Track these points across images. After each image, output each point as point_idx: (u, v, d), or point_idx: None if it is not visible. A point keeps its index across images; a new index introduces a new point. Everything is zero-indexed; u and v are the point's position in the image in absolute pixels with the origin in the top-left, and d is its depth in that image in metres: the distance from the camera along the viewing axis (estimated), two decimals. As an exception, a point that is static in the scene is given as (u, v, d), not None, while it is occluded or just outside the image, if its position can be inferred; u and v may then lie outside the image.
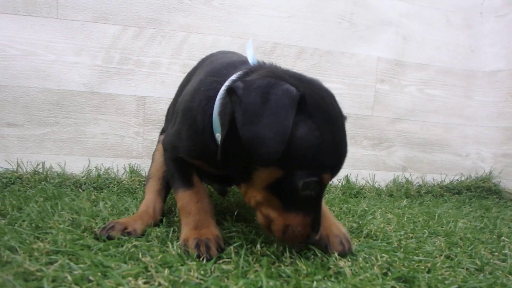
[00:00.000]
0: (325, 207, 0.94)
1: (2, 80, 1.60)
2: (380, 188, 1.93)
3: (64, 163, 1.65)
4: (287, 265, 0.74)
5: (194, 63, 1.28)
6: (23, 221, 0.93)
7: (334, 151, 0.72)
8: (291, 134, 0.66)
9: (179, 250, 0.78)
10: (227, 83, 0.82)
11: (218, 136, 0.80)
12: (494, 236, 1.11)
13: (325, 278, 0.70)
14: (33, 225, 0.90)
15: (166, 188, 1.11)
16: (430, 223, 1.24)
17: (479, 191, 1.97)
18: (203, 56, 1.26)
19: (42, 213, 1.02)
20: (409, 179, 2.03)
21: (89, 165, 1.67)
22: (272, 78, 0.72)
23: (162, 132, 1.35)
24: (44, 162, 1.62)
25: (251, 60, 0.89)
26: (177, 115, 0.94)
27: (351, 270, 0.73)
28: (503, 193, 1.97)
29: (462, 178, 2.09)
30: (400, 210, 1.45)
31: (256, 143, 0.66)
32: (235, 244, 0.81)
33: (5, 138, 1.61)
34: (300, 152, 0.68)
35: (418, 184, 2.02)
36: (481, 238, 1.08)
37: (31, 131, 1.64)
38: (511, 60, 2.03)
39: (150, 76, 1.76)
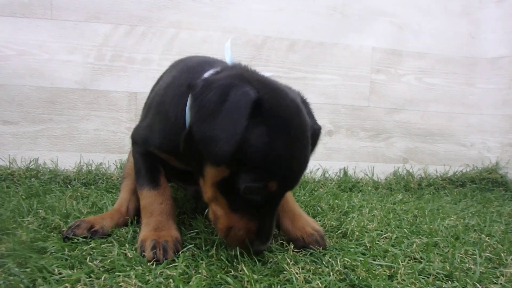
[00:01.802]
0: (294, 206, 0.93)
1: (-2, 79, 1.65)
2: (379, 181, 1.86)
3: (57, 159, 1.67)
4: (240, 271, 0.70)
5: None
6: None
7: (284, 161, 0.69)
8: (242, 136, 0.65)
9: (134, 253, 0.76)
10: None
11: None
12: (483, 235, 1.02)
13: (272, 285, 0.66)
14: (1, 226, 0.90)
15: None
16: (418, 220, 1.17)
17: (484, 183, 1.86)
18: (193, 52, 1.29)
19: (16, 212, 1.03)
20: (410, 171, 1.95)
21: (81, 160, 1.69)
22: (236, 79, 0.71)
23: None
24: (37, 159, 1.65)
25: (228, 60, 0.88)
26: (149, 109, 0.95)
27: (305, 276, 0.69)
28: (510, 185, 1.86)
29: (468, 169, 1.99)
30: (392, 206, 1.38)
31: (207, 142, 0.65)
32: (190, 246, 0.80)
33: (1, 135, 1.65)
34: (247, 156, 0.67)
35: (419, 176, 1.94)
36: (466, 239, 0.99)
37: (26, 128, 1.68)
38: (514, 45, 1.94)
39: (141, 72, 1.78)
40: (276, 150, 0.67)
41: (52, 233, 0.88)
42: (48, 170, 1.59)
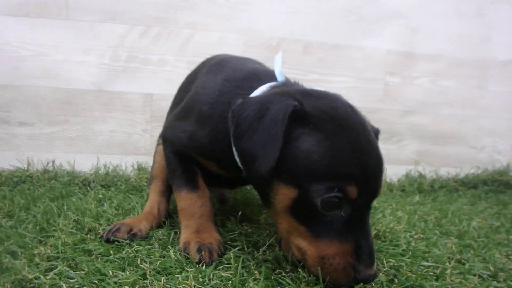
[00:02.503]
0: None
1: (14, 80, 1.64)
2: (392, 183, 1.88)
3: (74, 160, 1.67)
4: (288, 272, 0.70)
5: (199, 60, 1.26)
6: (29, 223, 0.94)
7: (354, 160, 0.62)
8: (296, 149, 0.63)
9: (178, 255, 0.76)
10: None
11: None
12: (511, 236, 1.04)
13: (327, 286, 0.65)
14: (38, 227, 0.91)
15: (170, 189, 1.09)
16: (443, 221, 1.18)
17: (496, 185, 1.88)
18: (208, 54, 1.25)
19: (47, 214, 1.03)
20: (422, 173, 1.97)
21: (97, 162, 1.68)
22: (276, 94, 0.69)
23: None
24: (54, 161, 1.65)
25: (279, 75, 0.84)
26: (190, 114, 0.89)
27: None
28: (521, 187, 1.89)
29: (478, 172, 2.01)
30: (411, 207, 1.40)
31: (246, 159, 0.64)
32: (236, 249, 0.79)
33: (17, 137, 1.65)
34: (310, 166, 0.62)
35: (431, 178, 1.95)
36: (496, 239, 1.01)
37: (42, 129, 1.67)
38: (526, 48, 1.96)
39: (156, 73, 1.77)
40: (341, 150, 0.62)
41: (89, 235, 0.88)
42: (66, 172, 1.59)
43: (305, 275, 0.67)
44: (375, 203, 1.43)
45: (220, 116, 0.81)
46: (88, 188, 1.47)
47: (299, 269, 0.70)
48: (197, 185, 0.89)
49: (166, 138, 0.97)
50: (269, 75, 0.86)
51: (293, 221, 0.66)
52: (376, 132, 0.80)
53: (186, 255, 0.76)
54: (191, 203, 0.87)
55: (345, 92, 0.77)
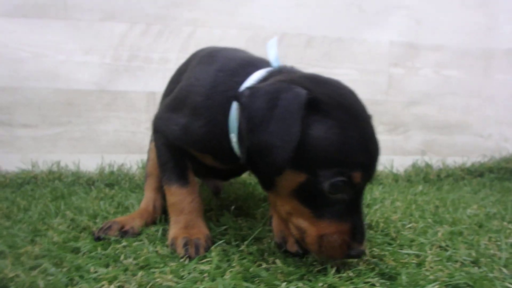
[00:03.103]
0: None
1: (15, 82, 1.62)
2: (398, 173, 1.87)
3: (79, 161, 1.65)
4: (270, 264, 0.71)
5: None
6: (24, 223, 0.95)
7: (361, 147, 0.66)
8: (308, 136, 0.63)
9: (165, 250, 0.77)
10: (247, 85, 0.77)
11: (233, 136, 0.78)
12: (505, 223, 1.03)
13: (304, 277, 0.67)
14: (31, 227, 0.91)
15: None
16: (440, 210, 1.17)
17: (503, 173, 1.87)
18: None
19: (44, 214, 1.03)
20: (429, 163, 1.96)
21: (102, 162, 1.67)
22: (283, 82, 0.68)
23: None
24: (59, 162, 1.63)
25: (274, 61, 0.84)
26: (183, 107, 0.88)
27: (335, 267, 0.69)
28: (529, 173, 1.88)
29: (485, 160, 2.00)
30: (413, 197, 1.39)
31: (262, 152, 0.63)
32: (220, 242, 0.80)
33: (20, 139, 1.63)
34: (321, 152, 0.64)
35: (438, 167, 1.94)
36: (489, 226, 1.00)
37: (45, 131, 1.65)
38: (530, 36, 1.95)
39: (159, 71, 1.75)
40: (350, 138, 0.65)
41: (82, 234, 0.88)
42: (71, 172, 1.58)
43: (283, 266, 0.69)
44: (377, 193, 1.43)
45: (218, 107, 0.80)
46: (92, 188, 1.46)
47: (278, 260, 0.71)
48: (188, 180, 0.89)
49: (157, 130, 0.94)
50: (264, 62, 0.86)
51: (297, 203, 0.69)
52: (370, 118, 0.81)
53: (173, 250, 0.77)
54: (181, 199, 0.86)
55: (350, 85, 0.77)
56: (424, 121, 2.02)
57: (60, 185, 1.43)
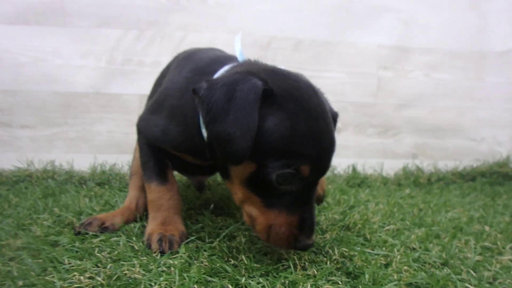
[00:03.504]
0: None
1: (15, 85, 1.72)
2: (388, 176, 1.87)
3: (73, 160, 1.73)
4: (240, 260, 0.73)
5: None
6: (11, 218, 0.98)
7: (312, 141, 0.67)
8: (260, 127, 0.64)
9: (140, 245, 0.80)
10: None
11: (204, 132, 0.79)
12: (486, 227, 1.03)
13: (269, 273, 0.69)
14: (17, 222, 0.95)
15: None
16: (423, 213, 1.18)
17: (495, 177, 1.84)
18: None
19: (32, 210, 1.07)
20: (420, 166, 1.95)
21: (95, 162, 1.74)
22: (240, 73, 0.69)
23: None
24: (54, 160, 1.72)
25: (239, 56, 0.87)
26: (161, 108, 0.93)
27: (303, 265, 0.71)
28: (521, 178, 1.85)
29: (478, 164, 1.97)
30: (400, 200, 1.39)
31: (223, 142, 0.65)
32: (192, 238, 0.83)
33: (19, 139, 1.72)
34: (271, 144, 0.66)
35: (429, 171, 1.93)
36: (468, 229, 1.00)
37: (42, 131, 1.74)
38: (523, 37, 1.92)
39: (151, 75, 1.79)
40: (300, 131, 0.66)
41: (65, 229, 0.92)
42: (64, 171, 1.65)
43: (250, 263, 0.70)
44: (362, 196, 1.44)
45: (190, 106, 0.82)
46: (84, 186, 1.53)
47: (243, 256, 0.73)
48: (167, 178, 0.92)
49: (140, 131, 0.99)
50: (232, 58, 0.88)
51: (248, 192, 0.71)
52: (335, 115, 0.83)
53: (148, 245, 0.80)
54: (160, 196, 0.89)
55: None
56: (416, 124, 2.01)
57: (52, 184, 1.50)
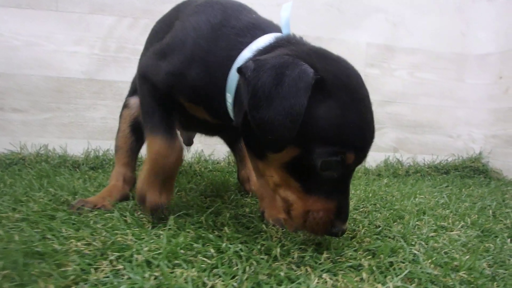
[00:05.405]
0: None
1: (8, 69, 1.71)
2: (370, 168, 1.98)
3: (66, 145, 1.76)
4: (222, 232, 0.78)
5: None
6: (8, 195, 1.01)
7: (358, 130, 0.67)
8: (308, 113, 0.62)
9: (133, 219, 0.84)
10: (253, 48, 0.76)
11: (229, 97, 0.77)
12: (447, 211, 1.14)
13: (248, 242, 0.73)
14: (13, 199, 0.98)
15: (134, 158, 1.13)
16: (394, 199, 1.28)
17: (467, 171, 1.99)
18: None
19: (28, 189, 1.10)
20: (400, 159, 2.06)
21: (88, 147, 1.77)
22: (290, 56, 0.66)
23: (130, 95, 1.24)
24: (47, 145, 1.74)
25: (284, 27, 0.81)
26: (177, 53, 0.82)
27: (278, 236, 0.77)
28: (489, 173, 2.01)
29: (453, 159, 2.11)
30: (377, 188, 1.49)
31: (265, 128, 0.63)
32: (180, 213, 0.87)
33: (11, 123, 1.73)
34: (320, 131, 0.65)
35: (408, 164, 2.05)
36: (431, 213, 1.11)
37: (35, 116, 1.75)
38: (501, 43, 2.04)
39: (145, 63, 1.84)
40: (350, 121, 0.66)
41: (61, 207, 0.94)
42: (58, 155, 1.68)
43: (231, 233, 0.76)
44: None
45: (218, 63, 0.78)
46: (77, 170, 1.56)
47: (226, 228, 0.79)
48: (174, 135, 0.85)
49: (145, 76, 0.88)
50: (272, 26, 0.84)
51: (287, 176, 0.70)
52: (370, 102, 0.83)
53: (140, 204, 0.83)
54: (166, 154, 0.83)
55: None
56: (398, 120, 2.12)
57: (46, 166, 1.53)
